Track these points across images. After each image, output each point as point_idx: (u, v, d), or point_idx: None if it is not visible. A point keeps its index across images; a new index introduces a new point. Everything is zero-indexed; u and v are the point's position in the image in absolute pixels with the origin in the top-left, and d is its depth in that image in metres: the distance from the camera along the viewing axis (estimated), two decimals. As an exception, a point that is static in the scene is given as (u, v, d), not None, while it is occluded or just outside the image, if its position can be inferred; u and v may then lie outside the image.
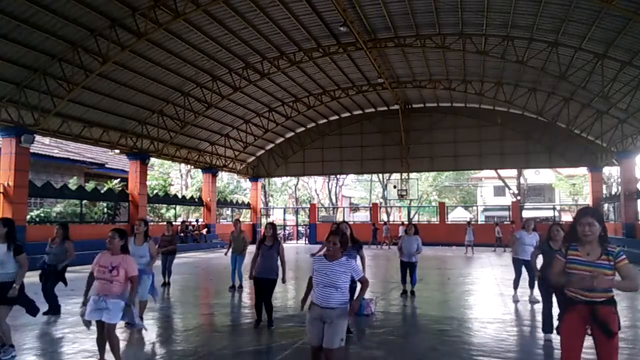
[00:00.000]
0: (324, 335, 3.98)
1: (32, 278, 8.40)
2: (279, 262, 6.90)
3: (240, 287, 10.49)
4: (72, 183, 21.66)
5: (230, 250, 10.71)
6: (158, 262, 8.29)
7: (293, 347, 5.83)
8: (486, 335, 6.49)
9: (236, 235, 10.65)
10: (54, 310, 7.57)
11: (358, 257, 6.60)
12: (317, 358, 4.13)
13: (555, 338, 5.95)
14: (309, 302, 4.24)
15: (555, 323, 5.35)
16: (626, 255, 3.45)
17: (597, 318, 3.30)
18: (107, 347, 4.80)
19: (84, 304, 4.77)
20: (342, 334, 4.02)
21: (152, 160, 29.96)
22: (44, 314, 7.41)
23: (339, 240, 4.16)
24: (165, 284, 10.91)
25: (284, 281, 6.90)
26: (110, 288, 4.65)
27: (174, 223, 25.47)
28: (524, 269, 8.66)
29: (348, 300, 4.15)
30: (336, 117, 28.84)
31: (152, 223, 20.24)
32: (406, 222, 28.44)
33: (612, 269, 3.33)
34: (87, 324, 4.80)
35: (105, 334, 4.70)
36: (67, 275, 7.79)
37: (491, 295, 9.97)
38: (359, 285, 4.39)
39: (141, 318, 6.91)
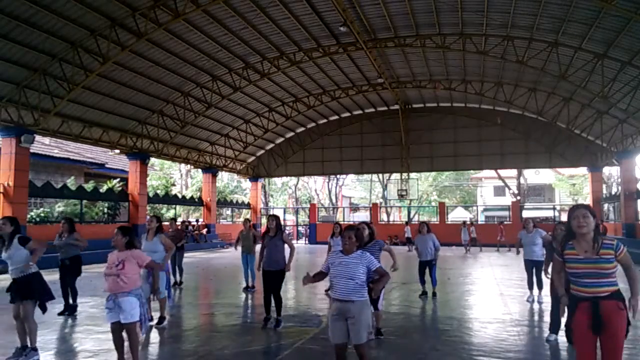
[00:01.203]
0: (348, 332, 4.03)
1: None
2: (286, 253, 6.80)
3: (253, 287, 10.29)
4: (70, 183, 21.62)
5: (241, 249, 10.64)
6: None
7: (293, 347, 5.83)
8: (486, 335, 6.49)
9: (245, 234, 10.56)
10: (71, 309, 7.54)
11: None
12: (341, 356, 4.13)
13: (559, 338, 5.99)
14: (331, 302, 4.28)
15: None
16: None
17: (598, 313, 3.26)
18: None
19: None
20: (368, 327, 4.07)
21: (154, 160, 30.00)
22: (59, 314, 7.41)
23: (354, 234, 4.28)
24: (177, 284, 10.84)
25: (287, 269, 6.71)
26: (117, 284, 4.64)
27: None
28: (534, 269, 8.55)
29: (367, 294, 4.18)
30: (336, 117, 28.84)
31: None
32: (412, 222, 28.51)
33: (613, 263, 3.32)
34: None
35: (126, 334, 4.69)
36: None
37: (491, 295, 9.97)
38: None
39: (163, 317, 6.86)
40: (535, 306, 8.32)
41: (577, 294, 3.39)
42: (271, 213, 28.98)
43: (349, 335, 4.05)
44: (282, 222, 7.18)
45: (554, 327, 6.03)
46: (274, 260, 6.67)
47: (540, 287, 8.57)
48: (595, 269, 3.32)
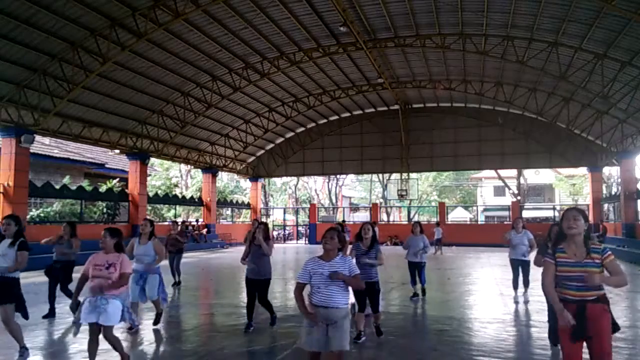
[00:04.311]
0: (329, 339, 3.82)
1: (36, 278, 8.40)
2: (270, 262, 6.74)
3: None
4: (67, 182, 21.58)
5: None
6: (165, 262, 8.22)
7: (293, 347, 5.82)
8: (486, 335, 6.49)
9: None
10: (73, 308, 7.48)
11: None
12: None
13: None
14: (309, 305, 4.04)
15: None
16: (626, 256, 3.47)
17: (584, 317, 3.29)
18: (103, 350, 4.75)
19: (75, 307, 4.68)
20: (348, 333, 3.93)
21: (156, 161, 29.98)
22: (44, 317, 7.32)
23: (337, 236, 4.07)
24: (176, 284, 10.89)
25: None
26: (104, 287, 4.56)
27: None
28: (520, 269, 8.70)
29: (348, 301, 4.08)
30: (336, 117, 28.85)
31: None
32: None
33: (600, 267, 3.36)
34: (77, 328, 4.66)
35: (104, 337, 4.62)
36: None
37: (491, 295, 9.97)
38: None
39: (159, 314, 6.79)
40: (535, 306, 8.30)
41: (564, 297, 3.41)
42: (261, 220, 28.87)
43: (326, 343, 3.83)
44: (269, 230, 7.07)
45: (553, 337, 5.94)
46: (258, 269, 6.55)
47: (526, 285, 8.69)
48: (583, 272, 3.34)
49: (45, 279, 7.69)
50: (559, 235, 3.62)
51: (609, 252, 3.42)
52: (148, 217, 24.62)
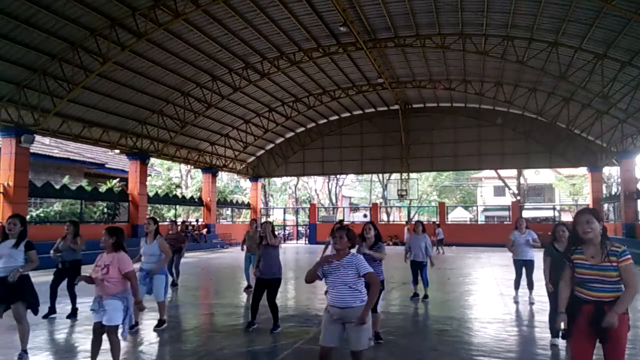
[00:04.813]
0: (348, 336, 3.86)
1: (40, 277, 8.40)
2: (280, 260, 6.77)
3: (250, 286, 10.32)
4: (66, 182, 21.57)
5: (245, 249, 10.61)
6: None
7: (293, 347, 5.82)
8: (486, 335, 6.49)
9: (252, 235, 10.43)
10: (73, 313, 7.45)
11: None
12: (325, 359, 3.94)
13: (562, 342, 5.94)
14: (326, 305, 4.05)
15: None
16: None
17: (602, 316, 3.21)
18: (104, 350, 4.76)
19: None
20: (369, 333, 3.92)
21: (156, 161, 29.96)
22: (44, 317, 7.34)
23: (345, 234, 4.06)
24: (175, 285, 10.86)
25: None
26: (103, 287, 4.59)
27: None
28: (524, 270, 8.67)
29: (362, 300, 3.99)
30: (336, 117, 28.85)
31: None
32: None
33: (617, 271, 3.26)
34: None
35: (107, 336, 4.65)
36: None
37: (491, 295, 9.97)
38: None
39: (163, 321, 6.76)
40: (535, 306, 8.31)
41: (582, 296, 3.35)
42: (267, 220, 28.88)
43: (341, 340, 3.89)
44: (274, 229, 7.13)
45: (555, 331, 5.97)
46: (269, 268, 6.56)
47: (531, 287, 8.61)
48: (601, 276, 3.28)
49: (46, 278, 7.69)
50: (572, 239, 3.53)
51: (627, 256, 3.29)
52: (149, 215, 24.63)
